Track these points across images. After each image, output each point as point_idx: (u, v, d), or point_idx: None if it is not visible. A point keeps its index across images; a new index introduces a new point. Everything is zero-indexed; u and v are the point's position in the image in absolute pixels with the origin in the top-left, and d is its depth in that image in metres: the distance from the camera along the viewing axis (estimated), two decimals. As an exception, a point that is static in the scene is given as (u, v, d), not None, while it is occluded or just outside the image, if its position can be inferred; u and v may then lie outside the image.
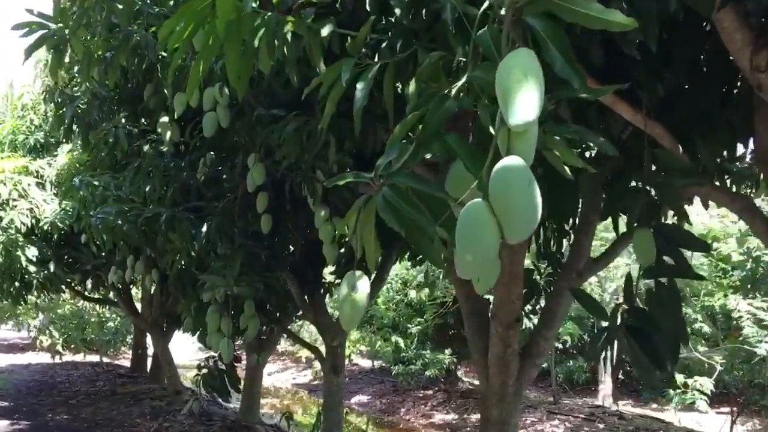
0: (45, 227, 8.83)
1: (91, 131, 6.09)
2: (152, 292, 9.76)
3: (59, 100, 6.01)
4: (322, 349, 7.13)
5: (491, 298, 3.53)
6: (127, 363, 17.05)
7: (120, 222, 5.33)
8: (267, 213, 4.29)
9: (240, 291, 4.20)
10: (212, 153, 4.96)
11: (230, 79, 2.24)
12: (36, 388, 12.55)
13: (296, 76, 2.54)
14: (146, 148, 4.95)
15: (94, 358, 17.82)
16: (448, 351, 13.87)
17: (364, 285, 1.47)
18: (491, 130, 1.35)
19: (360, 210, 1.41)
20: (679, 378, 10.52)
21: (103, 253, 9.82)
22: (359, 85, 1.90)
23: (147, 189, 4.70)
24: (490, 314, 3.53)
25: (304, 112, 3.54)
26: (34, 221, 8.86)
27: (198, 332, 7.27)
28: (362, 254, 1.46)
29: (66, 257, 9.78)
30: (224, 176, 4.69)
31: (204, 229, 4.31)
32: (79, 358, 17.78)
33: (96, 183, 5.86)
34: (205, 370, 6.69)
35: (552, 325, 3.73)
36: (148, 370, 14.08)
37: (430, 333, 14.03)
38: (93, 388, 12.48)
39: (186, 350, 20.35)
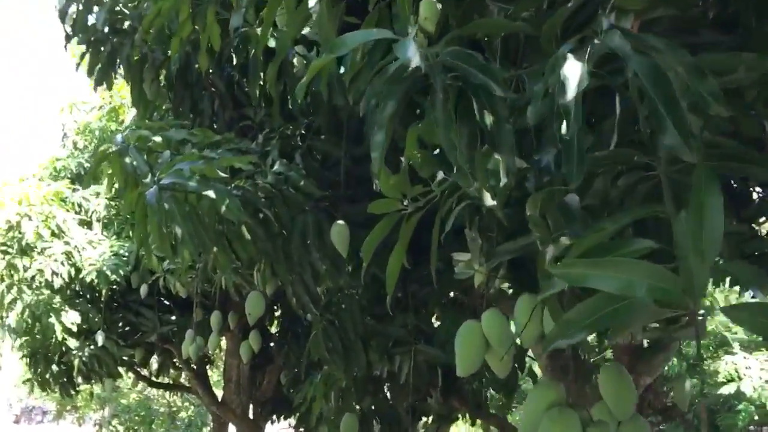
0: (89, 279, 5.95)
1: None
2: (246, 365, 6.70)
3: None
4: None
5: None
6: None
7: (211, 194, 2.32)
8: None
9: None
10: None
11: None
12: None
13: None
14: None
15: (166, 457, 14.84)
16: None
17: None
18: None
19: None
20: None
21: (173, 317, 6.98)
22: None
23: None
24: None
25: None
26: (73, 271, 6.01)
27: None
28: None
29: (121, 324, 6.85)
30: None
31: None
32: (149, 458, 14.82)
33: (157, 139, 2.89)
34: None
35: None
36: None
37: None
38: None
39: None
